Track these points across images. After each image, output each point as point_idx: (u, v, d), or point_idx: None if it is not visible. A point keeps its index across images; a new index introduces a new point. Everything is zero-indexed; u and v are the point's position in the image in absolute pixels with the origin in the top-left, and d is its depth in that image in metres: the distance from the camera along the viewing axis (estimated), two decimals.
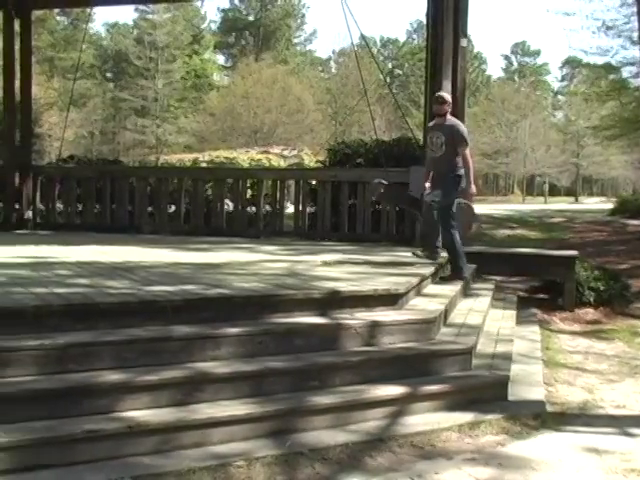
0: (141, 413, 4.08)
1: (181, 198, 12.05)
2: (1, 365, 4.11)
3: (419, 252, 8.20)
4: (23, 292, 5.08)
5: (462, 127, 7.87)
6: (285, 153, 34.03)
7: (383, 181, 9.30)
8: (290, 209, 12.22)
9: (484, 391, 5.06)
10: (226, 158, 29.53)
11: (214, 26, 72.85)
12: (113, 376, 4.24)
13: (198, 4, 63.13)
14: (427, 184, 7.99)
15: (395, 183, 9.73)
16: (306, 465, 3.93)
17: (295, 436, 4.24)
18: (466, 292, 8.15)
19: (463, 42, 10.32)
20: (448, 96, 8.07)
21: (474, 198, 8.23)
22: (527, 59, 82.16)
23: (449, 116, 7.88)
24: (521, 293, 10.13)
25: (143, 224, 12.00)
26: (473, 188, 7.97)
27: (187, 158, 31.81)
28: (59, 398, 4.02)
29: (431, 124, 8.12)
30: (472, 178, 7.86)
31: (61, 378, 4.16)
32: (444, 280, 7.66)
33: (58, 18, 57.71)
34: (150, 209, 12.25)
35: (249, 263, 7.49)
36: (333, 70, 73.53)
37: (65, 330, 4.54)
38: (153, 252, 8.56)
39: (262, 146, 40.03)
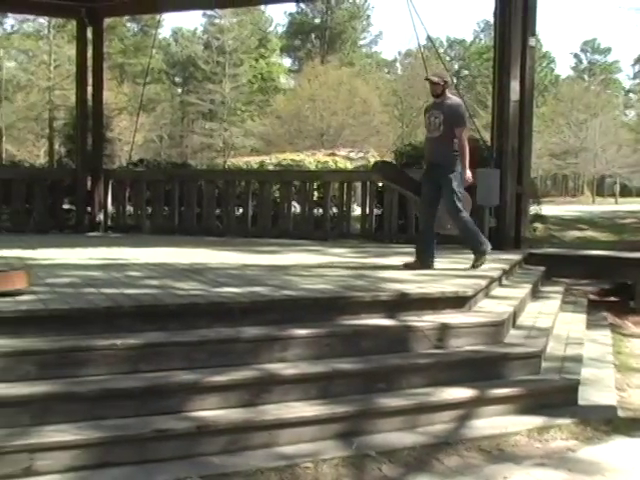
0: (210, 413, 4.13)
1: (248, 200, 12.14)
2: (74, 365, 4.20)
3: (411, 264, 7.39)
4: (95, 293, 5.19)
5: (462, 107, 7.50)
6: (352, 155, 34.03)
7: (387, 160, 8.92)
8: (357, 211, 12.22)
9: (554, 395, 4.98)
10: (293, 161, 29.65)
11: (280, 30, 73.38)
12: (182, 376, 4.29)
13: (264, 8, 63.59)
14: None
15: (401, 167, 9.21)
16: (373, 467, 3.92)
17: (362, 438, 4.24)
18: (535, 295, 8.04)
19: (531, 41, 10.18)
20: (438, 76, 7.53)
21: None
22: (597, 57, 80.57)
23: (449, 94, 7.48)
24: (592, 296, 9.93)
25: (211, 226, 12.13)
26: (468, 174, 7.39)
27: (254, 161, 32.02)
28: (129, 398, 4.09)
29: (429, 104, 7.71)
30: (467, 163, 7.33)
31: (131, 378, 4.24)
32: (475, 268, 7.28)
33: (128, 25, 58.75)
34: (218, 211, 12.38)
35: (316, 265, 7.51)
36: (399, 71, 73.33)
37: (135, 331, 4.62)
38: (221, 254, 8.64)
39: (328, 148, 40.08)
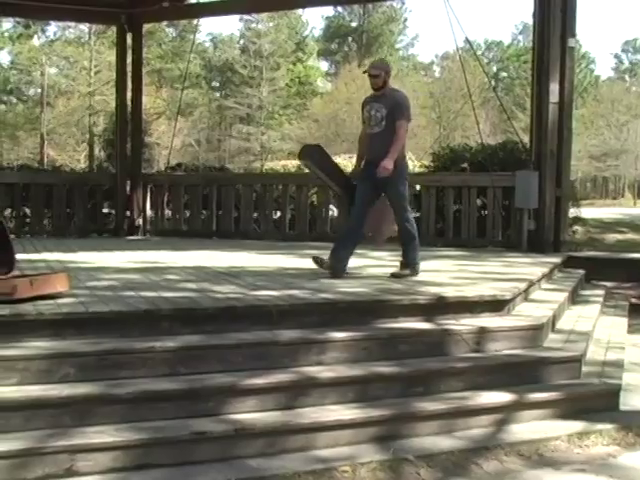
0: (247, 416, 4.15)
1: (286, 204, 12.17)
2: (113, 367, 4.25)
3: (320, 260, 6.82)
4: (134, 296, 5.24)
5: (408, 100, 6.79)
6: None
7: (322, 147, 7.67)
8: None
9: (594, 400, 4.92)
10: None
11: (317, 33, 73.47)
12: (220, 379, 4.32)
13: (301, 12, 63.77)
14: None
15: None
16: (410, 471, 3.90)
17: (399, 442, 4.22)
18: (575, 298, 7.95)
19: (571, 42, 10.08)
20: (378, 67, 6.79)
21: None
22: (639, 57, 79.53)
23: (391, 86, 6.83)
24: (633, 299, 9.79)
25: (248, 230, 12.17)
26: (387, 162, 6.43)
27: (291, 164, 32.06)
28: (168, 400, 4.12)
29: (368, 96, 6.94)
30: (394, 155, 6.50)
31: (170, 380, 4.27)
32: (398, 277, 6.59)
33: (166, 30, 59.22)
34: (255, 215, 12.42)
35: (354, 268, 7.49)
36: (436, 74, 73.01)
37: (173, 333, 4.66)
38: (258, 257, 8.68)
39: None
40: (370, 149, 6.74)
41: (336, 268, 6.61)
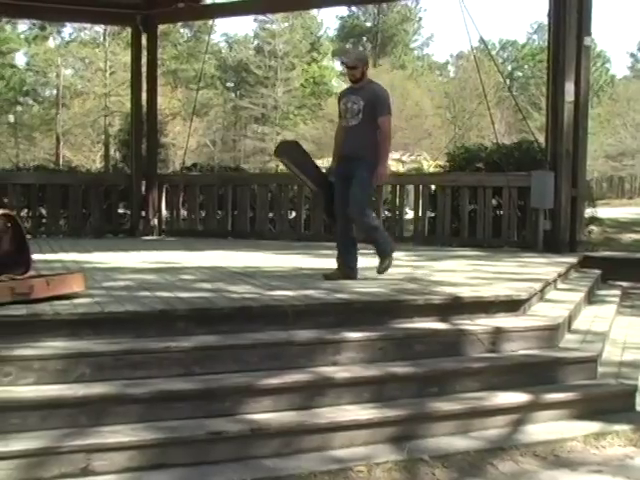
0: (263, 416, 4.15)
1: (301, 204, 12.17)
2: (129, 367, 4.26)
3: (331, 274, 6.48)
4: (150, 296, 5.26)
5: (386, 92, 6.48)
6: (404, 158, 33.94)
7: (299, 143, 7.26)
8: (409, 214, 12.17)
9: (610, 401, 4.89)
10: None
11: (332, 33, 73.46)
12: (236, 379, 4.33)
13: (315, 12, 63.78)
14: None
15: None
16: (426, 472, 3.90)
17: (415, 442, 4.22)
18: (591, 298, 7.92)
19: (587, 41, 10.04)
20: (356, 58, 6.49)
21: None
22: None
23: (369, 78, 6.47)
24: None
25: (263, 230, 12.19)
26: (383, 170, 6.34)
27: None
28: (183, 400, 4.13)
29: (345, 89, 6.73)
30: (387, 158, 6.46)
31: (185, 380, 4.28)
32: (382, 271, 6.44)
33: (181, 31, 59.35)
34: (271, 215, 12.43)
35: (370, 268, 7.48)
36: (451, 74, 72.88)
37: (189, 333, 4.68)
38: (273, 257, 8.69)
39: None
40: (346, 143, 6.40)
41: (351, 275, 6.44)
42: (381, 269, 6.45)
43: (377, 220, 6.55)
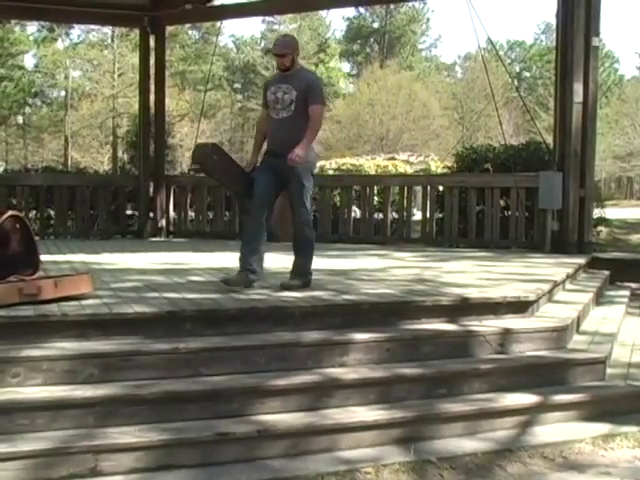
0: (270, 417, 4.15)
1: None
2: (137, 368, 4.27)
3: (233, 277, 5.76)
4: (157, 297, 5.26)
5: (320, 80, 6.03)
6: (411, 159, 33.87)
7: (217, 145, 6.48)
8: (417, 215, 12.16)
9: (619, 402, 4.88)
10: (352, 165, 29.64)
11: (339, 34, 73.46)
12: (243, 380, 4.33)
13: (323, 14, 63.79)
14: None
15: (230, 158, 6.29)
16: (434, 473, 3.89)
17: (422, 444, 4.21)
18: (599, 299, 7.90)
19: (595, 41, 10.01)
20: (285, 44, 5.87)
21: None
22: None
23: (299, 66, 5.92)
24: None
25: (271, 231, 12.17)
26: (299, 151, 5.60)
27: None
28: (191, 401, 4.13)
29: (274, 76, 6.11)
30: (310, 142, 5.75)
31: (193, 381, 4.28)
32: (287, 288, 5.71)
33: (189, 32, 59.46)
34: None
35: (377, 270, 7.49)
36: (459, 75, 72.83)
37: (196, 334, 4.68)
38: (281, 258, 8.67)
39: (388, 153, 39.98)
40: (275, 137, 5.84)
41: (253, 281, 5.78)
42: (287, 285, 5.75)
43: (313, 237, 5.97)
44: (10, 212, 5.30)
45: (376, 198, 12.19)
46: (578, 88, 9.84)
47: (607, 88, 63.23)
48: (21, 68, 49.92)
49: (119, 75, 47.54)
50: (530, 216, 10.53)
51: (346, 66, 74.56)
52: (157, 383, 4.21)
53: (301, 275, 5.88)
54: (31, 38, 50.69)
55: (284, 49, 5.79)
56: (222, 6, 14.26)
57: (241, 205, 6.76)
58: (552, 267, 7.85)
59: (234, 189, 6.53)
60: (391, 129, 51.09)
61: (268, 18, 61.13)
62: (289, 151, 5.58)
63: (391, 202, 11.93)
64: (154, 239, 12.53)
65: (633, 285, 9.70)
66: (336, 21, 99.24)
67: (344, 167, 29.49)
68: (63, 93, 51.91)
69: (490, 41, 13.57)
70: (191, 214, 13.07)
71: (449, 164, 14.24)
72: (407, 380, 4.62)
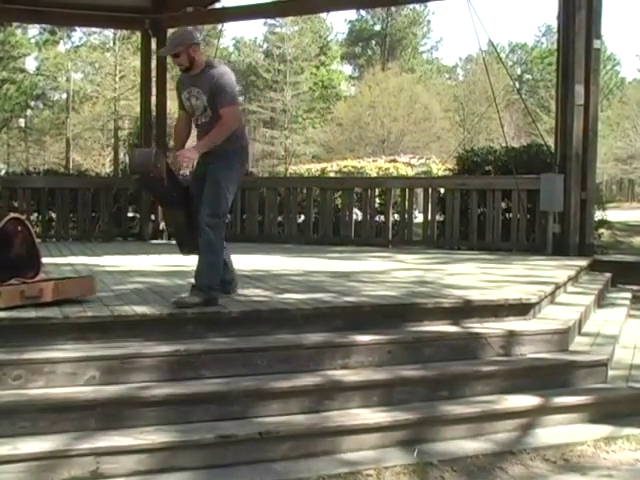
0: (272, 419, 4.14)
1: (310, 208, 12.17)
2: (138, 370, 4.27)
3: (185, 298, 5.01)
4: (159, 300, 5.26)
5: (228, 76, 5.12)
6: (413, 162, 33.93)
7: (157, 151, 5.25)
8: (419, 218, 12.16)
9: (621, 404, 4.87)
10: (354, 167, 29.69)
11: (341, 37, 73.54)
12: (245, 382, 4.32)
13: (324, 15, 63.79)
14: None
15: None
16: (436, 475, 3.89)
17: (424, 446, 4.21)
18: (601, 302, 7.89)
19: (596, 44, 10.00)
20: (177, 42, 5.14)
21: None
22: None
23: (205, 59, 5.23)
24: None
25: (272, 233, 12.18)
26: (188, 153, 5.13)
27: (315, 168, 32.15)
28: (192, 403, 4.13)
29: (182, 76, 5.35)
30: (211, 141, 5.07)
31: (194, 384, 4.28)
32: (181, 306, 4.88)
33: None
34: (279, 219, 12.43)
35: (379, 272, 7.49)
36: (460, 77, 72.88)
37: (198, 337, 4.68)
38: (282, 261, 8.69)
39: (389, 155, 40.02)
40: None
41: (209, 300, 5.02)
42: (180, 302, 4.94)
43: (222, 246, 5.22)
44: (12, 214, 5.29)
45: (377, 200, 12.21)
46: (579, 90, 9.83)
47: (608, 90, 63.19)
48: (23, 71, 49.97)
49: (120, 77, 47.63)
50: (531, 218, 10.53)
51: (347, 68, 74.72)
52: (159, 385, 4.21)
53: (200, 289, 5.05)
54: (33, 41, 50.77)
55: (175, 48, 5.12)
56: (223, 8, 14.24)
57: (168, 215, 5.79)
58: (554, 269, 7.85)
59: (172, 199, 5.38)
60: (392, 131, 51.18)
61: (269, 20, 61.12)
62: (213, 159, 5.13)
63: (392, 204, 11.93)
64: (155, 241, 12.53)
65: (635, 287, 9.68)
66: (338, 23, 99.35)
67: (345, 169, 29.54)
68: (65, 96, 51.99)
69: (491, 43, 13.58)
70: None
71: (450, 166, 14.23)
72: (409, 382, 4.61)
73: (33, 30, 49.70)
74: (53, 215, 12.81)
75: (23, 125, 53.14)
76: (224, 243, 5.26)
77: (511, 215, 10.81)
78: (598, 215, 11.64)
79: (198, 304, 4.93)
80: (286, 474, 3.82)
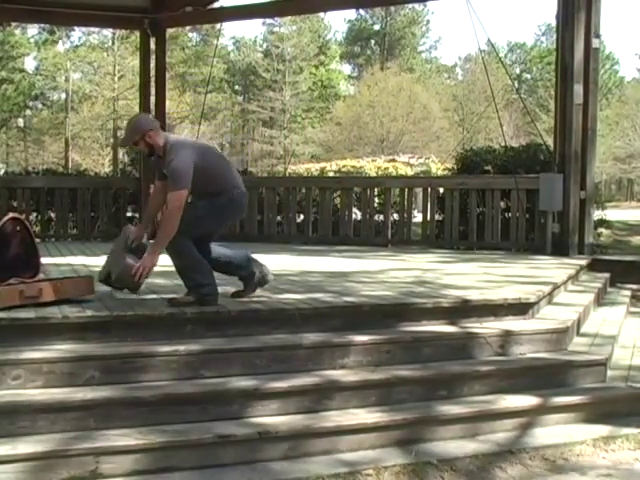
0: (271, 419, 4.15)
1: (309, 207, 12.17)
2: (137, 370, 4.27)
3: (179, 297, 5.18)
4: (158, 299, 5.26)
5: (181, 160, 4.93)
6: (412, 161, 33.90)
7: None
8: (418, 217, 12.16)
9: (619, 404, 4.87)
10: (353, 167, 29.65)
11: (340, 37, 73.53)
12: (243, 382, 4.33)
13: (323, 15, 63.80)
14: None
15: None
16: (435, 475, 3.89)
17: (422, 446, 4.21)
18: (600, 301, 7.89)
19: (595, 43, 10.01)
20: (132, 132, 5.12)
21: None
22: None
23: (168, 141, 5.09)
24: None
25: (271, 233, 12.18)
26: (152, 255, 5.12)
27: (314, 168, 32.12)
28: (191, 403, 4.13)
29: (153, 159, 5.32)
30: (161, 237, 5.14)
31: (193, 384, 4.28)
32: (174, 304, 5.03)
33: (189, 34, 59.49)
34: (279, 218, 12.43)
35: (377, 271, 7.49)
36: (459, 76, 72.88)
37: (197, 337, 4.69)
38: (281, 260, 8.68)
39: (388, 155, 40.01)
40: None
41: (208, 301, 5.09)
42: (173, 299, 5.14)
43: (189, 248, 5.25)
44: (11, 214, 5.29)
45: (377, 200, 12.20)
46: (578, 90, 9.84)
47: (607, 90, 63.20)
48: (22, 71, 50.00)
49: (119, 77, 47.60)
50: (531, 218, 10.53)
51: (347, 68, 74.72)
52: (158, 385, 4.21)
53: (189, 289, 5.20)
54: (32, 41, 50.82)
55: (132, 137, 5.13)
56: (222, 8, 14.24)
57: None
58: (553, 269, 7.85)
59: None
60: (392, 131, 51.17)
61: (268, 20, 61.11)
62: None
63: (392, 204, 11.93)
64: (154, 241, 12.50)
65: (634, 286, 9.68)
66: (337, 23, 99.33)
67: (345, 169, 29.50)
68: (64, 95, 51.97)
69: (490, 43, 13.59)
70: None
71: (449, 166, 14.23)
72: (407, 382, 4.61)
73: (32, 30, 49.81)
74: (52, 215, 12.82)
75: (22, 125, 53.09)
76: (191, 244, 5.26)
77: (510, 215, 10.81)
78: (597, 214, 11.63)
79: (192, 302, 5.05)
80: (285, 474, 3.82)
